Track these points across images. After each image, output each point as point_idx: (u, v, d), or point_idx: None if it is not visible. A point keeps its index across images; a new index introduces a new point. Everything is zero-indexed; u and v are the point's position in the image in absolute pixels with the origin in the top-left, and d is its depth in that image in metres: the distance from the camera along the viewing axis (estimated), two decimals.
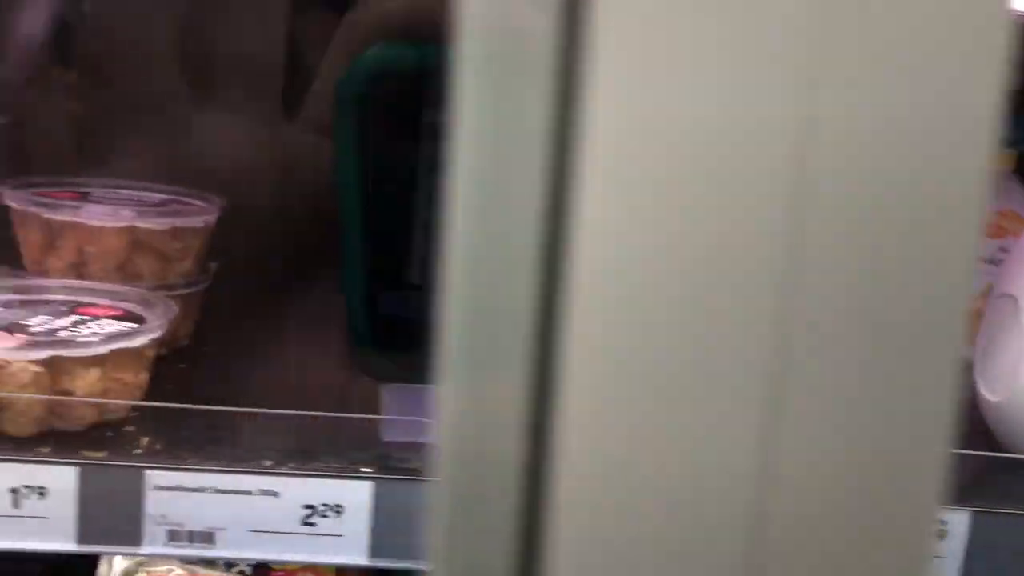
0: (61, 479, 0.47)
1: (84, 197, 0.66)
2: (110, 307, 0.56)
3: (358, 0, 0.69)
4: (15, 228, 0.65)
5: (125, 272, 0.62)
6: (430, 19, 0.53)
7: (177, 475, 0.47)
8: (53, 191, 0.67)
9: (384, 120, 0.60)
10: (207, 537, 0.47)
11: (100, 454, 0.48)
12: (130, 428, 0.52)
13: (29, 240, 0.63)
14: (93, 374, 0.50)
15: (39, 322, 0.53)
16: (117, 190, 0.68)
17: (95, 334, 0.51)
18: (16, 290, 0.58)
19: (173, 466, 0.47)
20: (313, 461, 0.49)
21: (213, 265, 0.67)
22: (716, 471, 0.22)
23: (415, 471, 0.48)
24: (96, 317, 0.55)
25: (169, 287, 0.63)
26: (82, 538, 0.47)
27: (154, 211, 0.63)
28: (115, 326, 0.53)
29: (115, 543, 0.48)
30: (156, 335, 0.52)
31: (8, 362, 0.48)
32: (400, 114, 0.60)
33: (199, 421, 0.52)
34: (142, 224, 0.62)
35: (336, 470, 0.48)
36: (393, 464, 0.49)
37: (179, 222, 0.63)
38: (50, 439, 0.49)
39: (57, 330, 0.52)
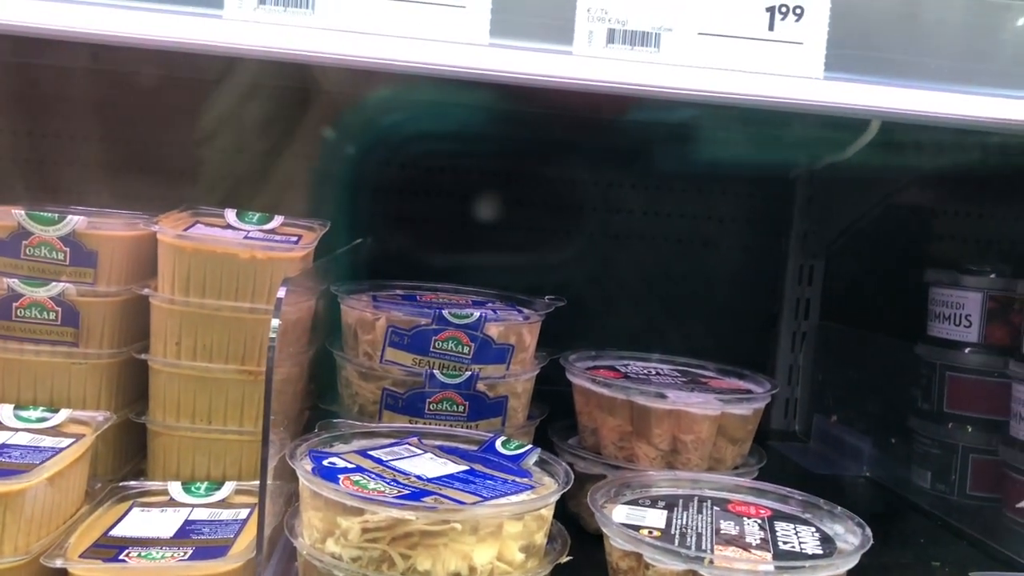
0: None
1: (632, 377, 0.65)
2: (755, 504, 0.56)
3: None
4: (578, 407, 0.65)
5: (711, 459, 0.62)
6: None
7: None
8: (601, 370, 0.66)
9: None
10: None
11: None
12: None
13: (608, 424, 0.62)
14: None
15: (737, 530, 0.51)
16: (659, 367, 0.68)
17: (821, 548, 0.50)
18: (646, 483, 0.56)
19: None
20: None
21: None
22: None
23: None
24: (750, 516, 0.54)
25: (736, 470, 0.63)
26: None
27: (734, 397, 0.63)
28: (807, 533, 0.52)
29: None
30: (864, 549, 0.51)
31: None
32: None
33: None
34: (733, 411, 0.61)
35: None
36: None
37: (756, 406, 0.63)
38: None
39: (765, 541, 0.50)
